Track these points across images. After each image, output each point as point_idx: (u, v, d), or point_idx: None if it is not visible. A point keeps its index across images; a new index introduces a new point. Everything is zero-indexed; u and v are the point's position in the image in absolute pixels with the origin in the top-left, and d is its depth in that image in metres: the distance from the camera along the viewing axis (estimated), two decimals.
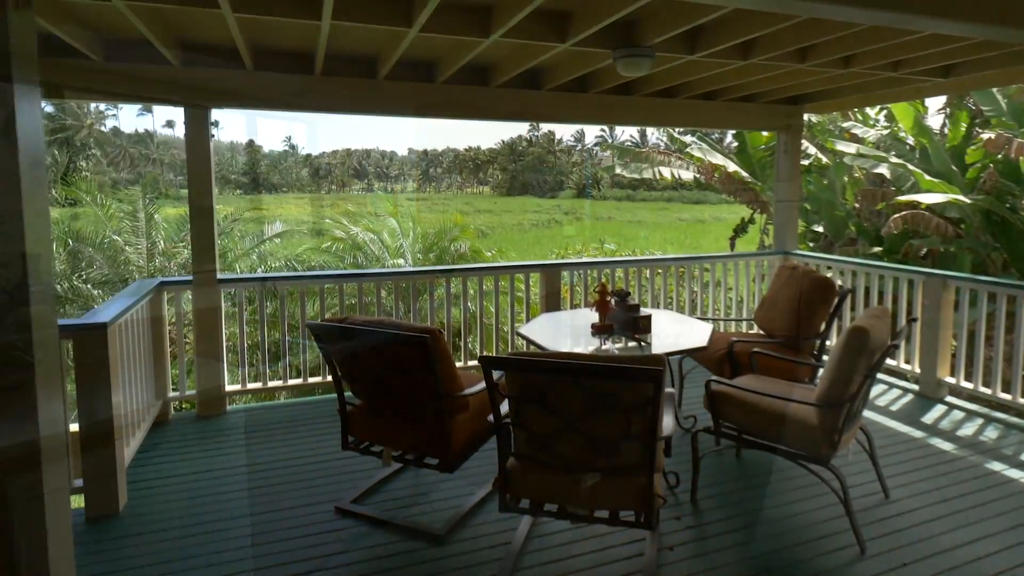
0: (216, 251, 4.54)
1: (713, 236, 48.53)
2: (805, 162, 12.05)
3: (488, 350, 5.50)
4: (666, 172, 11.32)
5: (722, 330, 5.49)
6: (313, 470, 3.73)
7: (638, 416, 2.42)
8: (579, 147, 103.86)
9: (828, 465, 3.03)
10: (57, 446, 1.63)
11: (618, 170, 11.54)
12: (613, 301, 4.00)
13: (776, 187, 6.63)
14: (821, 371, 3.43)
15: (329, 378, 4.87)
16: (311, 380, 4.93)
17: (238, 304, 4.70)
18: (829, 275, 5.41)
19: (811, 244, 13.20)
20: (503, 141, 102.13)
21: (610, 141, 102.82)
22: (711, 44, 3.96)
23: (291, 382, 4.88)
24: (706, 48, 4.00)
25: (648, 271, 5.99)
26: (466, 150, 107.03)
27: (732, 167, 11.00)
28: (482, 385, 3.22)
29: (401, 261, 9.72)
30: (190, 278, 4.53)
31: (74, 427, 3.24)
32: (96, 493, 3.18)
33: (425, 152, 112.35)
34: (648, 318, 3.86)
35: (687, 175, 11.44)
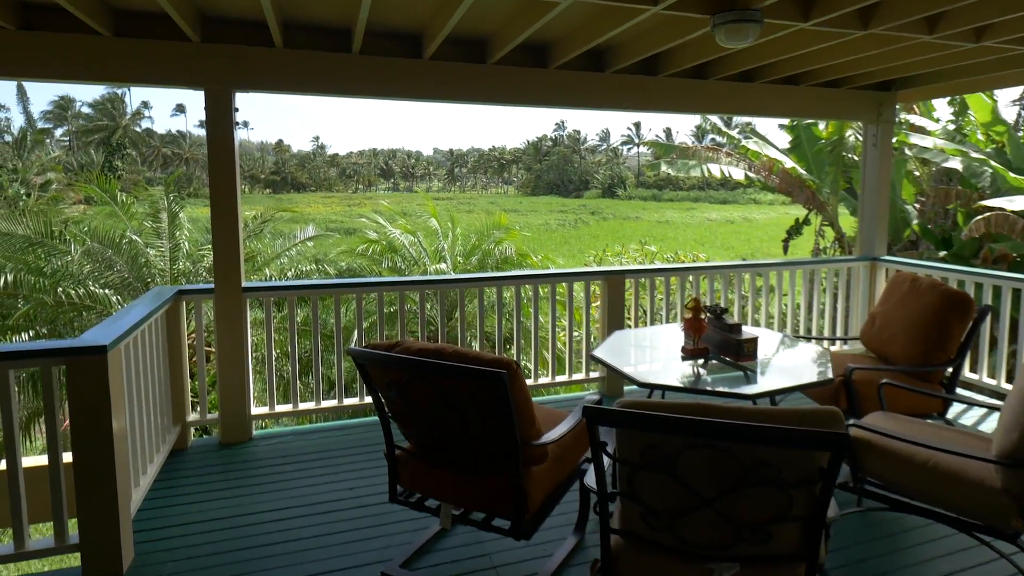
0: (241, 256, 3.98)
1: (744, 237, 47.35)
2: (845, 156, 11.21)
3: (542, 368, 4.86)
4: (715, 169, 10.56)
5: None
6: (354, 518, 3.14)
7: (803, 492, 1.77)
8: (604, 146, 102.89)
9: (1016, 542, 2.34)
10: None
11: (664, 167, 10.82)
12: (707, 319, 3.34)
13: (863, 186, 5.89)
14: (953, 407, 2.73)
15: (368, 399, 4.29)
16: (347, 402, 4.35)
17: (266, 313, 4.14)
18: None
19: None
20: (528, 140, 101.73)
21: (636, 140, 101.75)
22: (829, 9, 3.29)
23: (324, 404, 4.31)
24: (823, 14, 3.32)
25: (704, 279, 5.31)
26: (491, 149, 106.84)
27: (789, 163, 10.20)
28: (566, 428, 2.60)
29: (444, 266, 9.06)
30: (212, 286, 3.98)
31: (67, 457, 2.70)
32: (95, 551, 2.62)
33: (450, 151, 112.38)
34: (754, 341, 3.19)
35: (738, 173, 10.66)
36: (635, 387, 5.06)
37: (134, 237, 8.41)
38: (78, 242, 8.09)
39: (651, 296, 5.05)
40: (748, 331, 3.30)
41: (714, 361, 3.28)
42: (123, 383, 2.83)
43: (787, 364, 3.32)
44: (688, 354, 3.28)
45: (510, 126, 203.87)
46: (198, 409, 4.12)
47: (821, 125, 10.90)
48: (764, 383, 3.01)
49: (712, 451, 1.76)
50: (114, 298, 7.45)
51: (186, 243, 8.81)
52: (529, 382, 4.81)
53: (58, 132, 71.87)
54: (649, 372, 3.16)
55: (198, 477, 3.58)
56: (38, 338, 7.07)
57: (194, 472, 3.65)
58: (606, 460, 1.96)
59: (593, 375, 4.97)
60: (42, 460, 3.75)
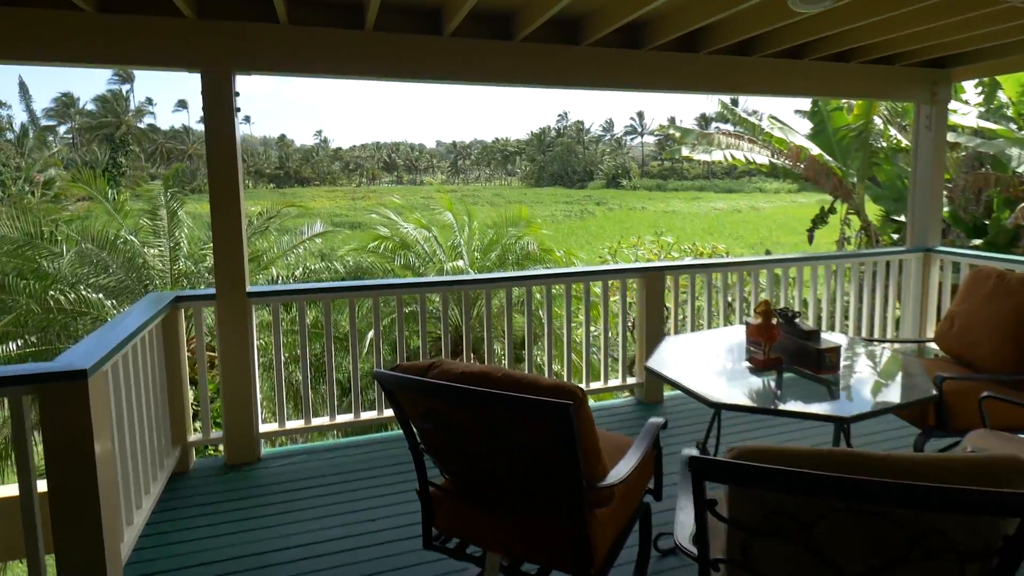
0: (245, 257, 3.58)
1: (752, 227, 46.76)
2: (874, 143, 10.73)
3: (576, 377, 4.45)
4: (739, 156, 10.09)
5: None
6: (379, 556, 2.75)
7: (978, 567, 1.36)
8: (607, 136, 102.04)
9: None
10: None
11: (684, 152, 10.35)
12: (779, 324, 2.92)
13: (914, 172, 5.44)
14: None
15: (388, 412, 3.91)
16: (364, 416, 3.96)
17: (274, 321, 3.74)
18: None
19: (894, 236, 11.87)
20: (531, 132, 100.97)
21: (639, 129, 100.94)
22: None
23: (340, 419, 3.92)
24: None
25: (748, 274, 4.86)
26: (494, 141, 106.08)
27: (815, 149, 9.73)
28: (634, 461, 2.19)
29: (461, 263, 8.58)
30: (213, 291, 3.58)
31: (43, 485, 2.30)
32: None
33: (454, 144, 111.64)
34: (836, 350, 2.77)
35: (760, 159, 10.20)
36: (679, 393, 4.66)
37: (129, 236, 7.96)
38: (70, 243, 7.67)
39: (692, 294, 4.62)
40: (829, 338, 2.88)
41: (788, 374, 2.87)
42: (110, 409, 2.44)
43: (871, 375, 2.90)
44: (759, 366, 2.86)
45: (513, 117, 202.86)
46: (201, 428, 3.73)
47: (853, 105, 10.41)
48: (858, 401, 2.60)
49: (863, 516, 1.35)
50: (109, 303, 7.04)
51: (186, 242, 8.36)
52: None
53: (62, 129, 71.65)
54: (718, 389, 2.74)
55: (201, 507, 3.20)
56: (27, 347, 6.68)
57: (197, 501, 3.26)
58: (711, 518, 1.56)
59: (630, 380, 4.56)
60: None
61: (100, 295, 6.95)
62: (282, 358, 3.80)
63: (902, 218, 11.91)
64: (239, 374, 3.60)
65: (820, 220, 10.74)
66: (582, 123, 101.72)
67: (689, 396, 2.66)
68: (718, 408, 2.52)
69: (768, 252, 13.18)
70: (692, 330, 4.66)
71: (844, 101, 10.59)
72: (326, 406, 4.01)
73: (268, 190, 69.12)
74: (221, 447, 3.76)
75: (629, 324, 4.27)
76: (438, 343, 8.52)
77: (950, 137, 9.51)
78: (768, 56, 4.59)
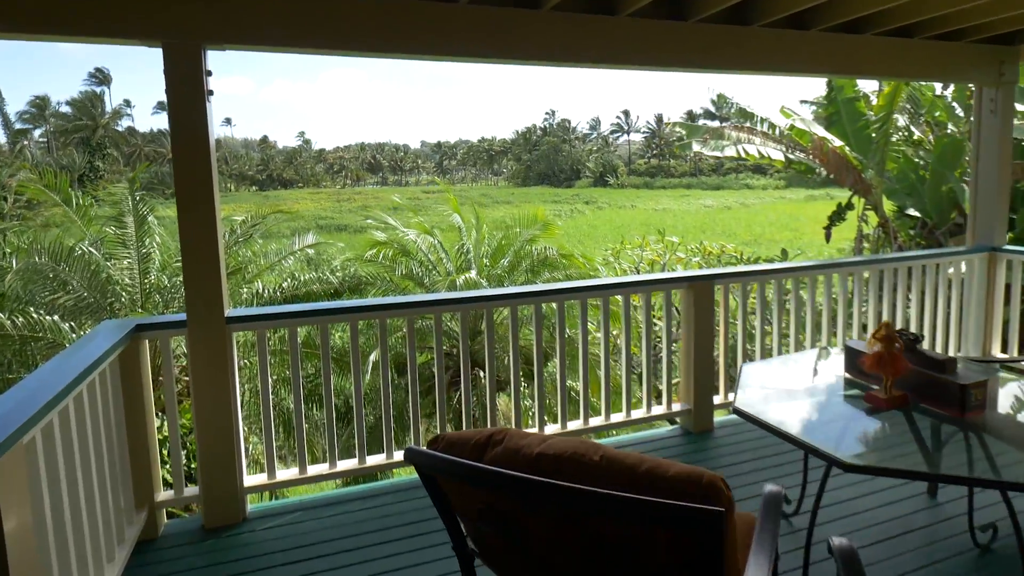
0: (223, 274, 2.91)
1: (745, 224, 46.43)
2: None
3: (616, 407, 3.86)
4: (752, 150, 9.53)
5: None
6: None
7: None
8: (594, 135, 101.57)
9: None
10: None
11: (696, 147, 9.76)
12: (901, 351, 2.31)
13: (976, 162, 4.89)
14: None
15: (398, 456, 3.27)
16: (371, 461, 3.30)
17: (260, 351, 3.07)
18: None
19: (911, 232, 11.38)
20: (517, 131, 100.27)
21: (626, 128, 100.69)
22: None
23: (342, 466, 3.26)
24: None
25: (804, 279, 4.25)
26: (480, 141, 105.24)
27: (837, 142, 9.19)
28: (768, 567, 1.57)
29: (473, 274, 7.77)
30: (183, 317, 2.91)
31: None
32: None
33: (439, 144, 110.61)
34: (983, 386, 2.17)
35: (776, 154, 9.64)
36: (731, 418, 4.06)
37: (89, 248, 7.09)
38: (21, 255, 6.85)
39: (743, 306, 4.01)
40: (967, 370, 2.27)
41: (918, 415, 2.26)
42: (33, 482, 1.79)
43: (1015, 410, 2.30)
44: (880, 406, 2.26)
45: (498, 117, 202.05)
46: (172, 484, 3.06)
47: (872, 90, 9.90)
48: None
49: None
50: (66, 325, 6.22)
51: (158, 252, 7.53)
52: (597, 421, 3.79)
53: (36, 133, 69.87)
54: (838, 440, 2.12)
55: None
56: None
57: (168, 573, 2.60)
58: None
59: (675, 407, 3.95)
60: None
61: (55, 316, 6.14)
62: (270, 396, 3.13)
63: (916, 213, 11.45)
64: (218, 417, 2.93)
65: (837, 217, 10.21)
66: (568, 121, 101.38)
67: (803, 449, 2.05)
68: (853, 471, 1.90)
69: (784, 251, 12.63)
70: (745, 349, 4.06)
71: (861, 89, 10.08)
72: (324, 446, 3.36)
73: (250, 193, 67.89)
74: (197, 506, 3.09)
75: (654, 339, 3.67)
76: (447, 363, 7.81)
77: None
78: (824, 31, 4.01)
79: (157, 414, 2.91)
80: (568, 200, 63.29)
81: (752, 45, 3.81)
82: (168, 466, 2.97)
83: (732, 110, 9.98)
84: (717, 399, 4.03)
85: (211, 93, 2.84)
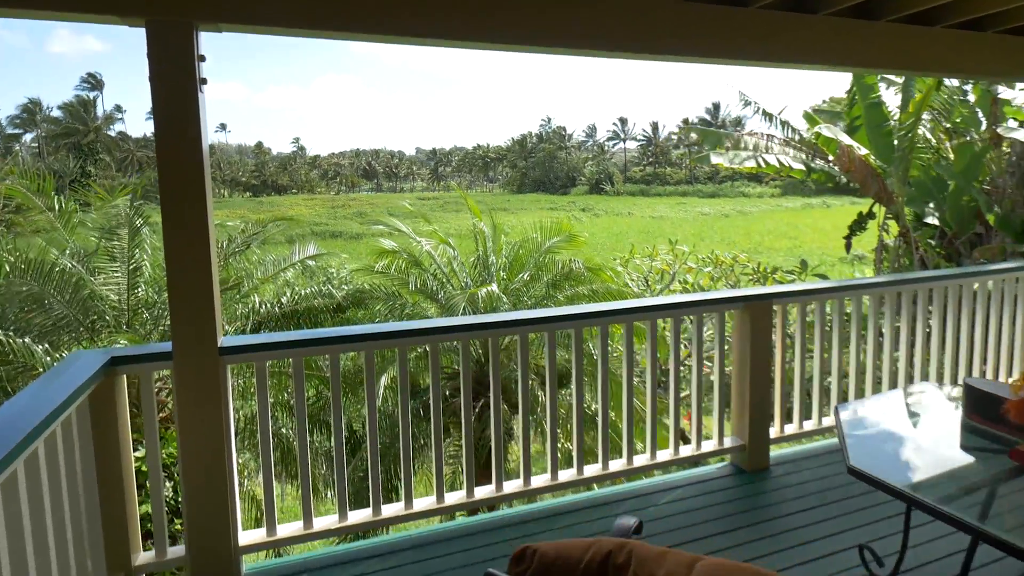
0: (216, 296, 2.46)
1: (743, 232, 46.17)
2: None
3: (662, 442, 3.41)
4: (772, 160, 9.13)
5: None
6: None
7: None
8: (590, 142, 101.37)
9: None
10: None
11: (714, 159, 9.33)
12: None
13: None
14: None
15: (418, 505, 2.81)
16: (387, 511, 2.84)
17: (259, 386, 2.61)
18: None
19: (931, 242, 11.02)
20: (512, 138, 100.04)
21: (622, 135, 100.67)
22: None
23: (353, 518, 2.79)
24: None
25: (863, 297, 3.81)
26: (475, 148, 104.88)
27: (862, 149, 8.81)
28: None
29: (494, 288, 7.22)
30: (168, 347, 2.45)
31: None
32: None
33: (433, 151, 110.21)
34: None
35: (796, 164, 9.25)
36: (792, 452, 3.63)
37: (73, 264, 6.46)
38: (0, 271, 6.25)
39: (801, 326, 3.58)
40: None
41: None
42: None
43: None
44: None
45: (493, 123, 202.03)
46: (154, 544, 2.58)
47: (892, 104, 9.53)
48: None
49: None
50: (39, 348, 5.62)
51: (148, 265, 6.96)
52: (642, 460, 3.34)
53: (28, 137, 69.11)
54: (1000, 515, 1.68)
55: None
56: None
57: None
58: None
59: (727, 442, 3.51)
60: None
61: (25, 340, 5.53)
62: (270, 437, 2.67)
63: (934, 221, 11.09)
64: (208, 466, 2.46)
65: (858, 226, 9.82)
66: (564, 128, 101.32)
67: (966, 531, 1.61)
68: None
69: (804, 262, 12.21)
70: (802, 377, 3.63)
71: (881, 96, 9.72)
72: (327, 477, 2.89)
73: (244, 199, 67.21)
74: (183, 570, 2.62)
75: (700, 365, 3.24)
76: (467, 389, 7.30)
77: (1010, 133, 8.68)
78: (892, 22, 3.60)
79: (136, 464, 2.44)
80: (564, 207, 63.06)
81: (810, 31, 3.38)
82: (149, 524, 2.50)
83: (752, 111, 9.58)
84: (772, 430, 3.59)
85: (204, 82, 2.40)
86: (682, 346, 7.35)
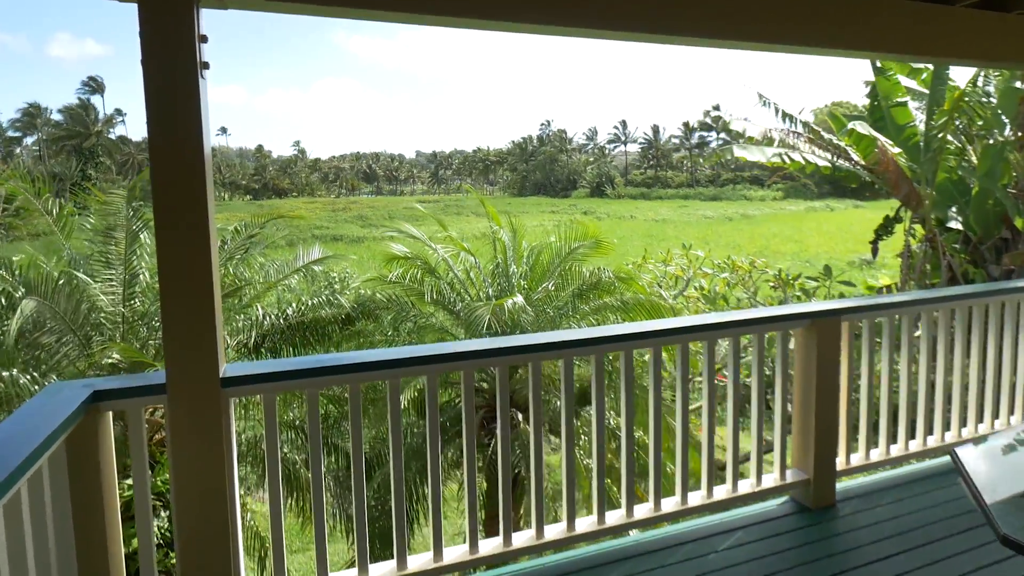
0: (218, 317, 2.09)
1: (748, 235, 45.80)
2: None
3: (718, 477, 3.05)
4: (796, 157, 8.78)
5: None
6: None
7: None
8: (591, 145, 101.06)
9: None
10: None
11: (737, 152, 8.99)
12: None
13: None
14: None
15: (449, 556, 2.44)
16: (414, 565, 2.46)
17: (267, 423, 2.24)
18: None
19: (955, 247, 10.67)
20: (513, 141, 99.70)
21: (623, 138, 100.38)
22: None
23: (375, 572, 2.41)
24: None
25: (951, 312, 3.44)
26: (475, 151, 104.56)
27: (894, 149, 8.45)
28: None
29: (519, 300, 6.74)
30: (161, 378, 2.08)
31: None
32: None
33: (434, 154, 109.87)
34: None
35: (821, 161, 8.90)
36: (857, 485, 3.27)
37: (57, 273, 6.01)
38: None
39: (870, 346, 3.21)
40: None
41: None
42: None
43: None
44: None
45: (494, 127, 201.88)
46: None
47: (912, 104, 9.18)
48: None
49: None
50: (23, 379, 5.09)
51: (146, 273, 6.52)
52: (697, 499, 2.96)
53: (28, 140, 68.88)
54: None
55: None
56: None
57: None
58: None
59: (789, 477, 3.14)
60: None
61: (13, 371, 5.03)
62: (280, 486, 2.29)
63: (957, 225, 10.75)
64: (208, 522, 2.09)
65: (884, 230, 9.47)
66: (564, 131, 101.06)
67: None
68: None
69: (827, 268, 11.84)
70: (872, 410, 3.27)
71: (907, 96, 9.37)
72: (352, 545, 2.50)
73: (244, 202, 66.86)
74: None
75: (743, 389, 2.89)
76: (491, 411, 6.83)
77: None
78: (967, 7, 3.24)
79: (123, 518, 2.06)
80: (566, 210, 62.76)
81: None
82: None
83: (772, 111, 9.24)
84: (837, 461, 3.23)
85: (206, 66, 2.03)
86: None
